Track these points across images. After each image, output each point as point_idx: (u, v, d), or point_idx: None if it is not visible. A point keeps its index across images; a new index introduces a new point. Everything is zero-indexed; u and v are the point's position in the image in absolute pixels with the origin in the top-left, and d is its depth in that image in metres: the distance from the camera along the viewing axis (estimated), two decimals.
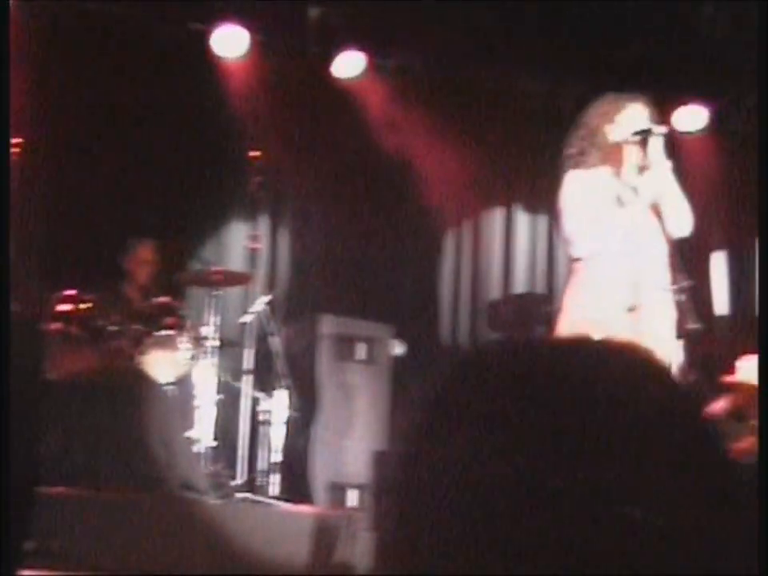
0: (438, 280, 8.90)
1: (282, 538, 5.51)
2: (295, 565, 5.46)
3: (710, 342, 6.14)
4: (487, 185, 8.95)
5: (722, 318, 9.22)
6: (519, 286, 9.02)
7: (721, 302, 9.28)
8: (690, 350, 4.75)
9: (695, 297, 4.93)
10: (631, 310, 4.97)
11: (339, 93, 8.02)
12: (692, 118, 8.37)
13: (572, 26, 7.70)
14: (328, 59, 7.95)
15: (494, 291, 8.97)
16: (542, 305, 8.56)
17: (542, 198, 8.66)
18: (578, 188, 5.18)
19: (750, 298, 9.28)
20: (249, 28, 7.71)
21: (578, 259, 5.17)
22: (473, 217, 9.05)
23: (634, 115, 5.20)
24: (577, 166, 5.25)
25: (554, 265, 8.98)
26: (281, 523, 5.77)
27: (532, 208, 9.13)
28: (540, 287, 9.05)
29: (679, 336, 4.73)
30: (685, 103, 8.30)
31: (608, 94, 5.36)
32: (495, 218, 9.12)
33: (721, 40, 7.75)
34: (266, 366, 7.02)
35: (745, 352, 7.26)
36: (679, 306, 4.74)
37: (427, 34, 7.82)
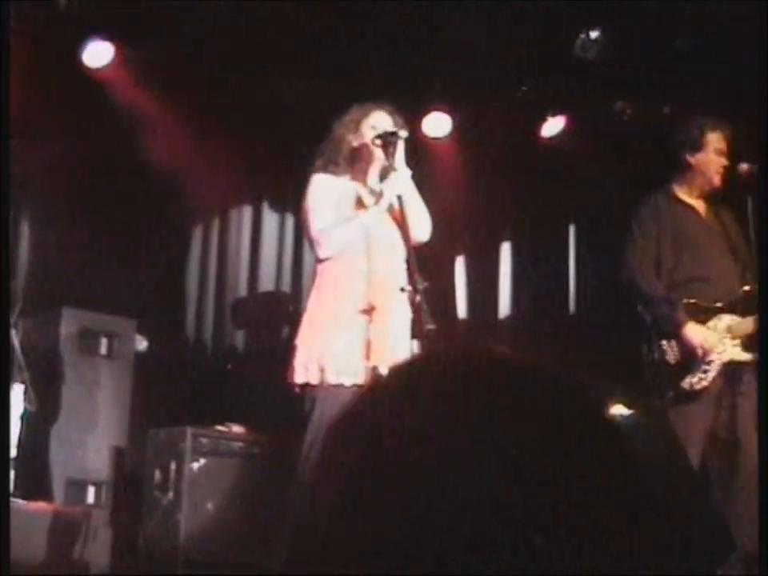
0: (184, 276, 8.86)
1: (18, 536, 5.39)
2: (32, 563, 5.35)
3: (446, 343, 6.32)
4: (236, 182, 8.97)
5: (462, 320, 9.50)
6: (265, 284, 9.07)
7: (461, 305, 9.56)
8: (425, 350, 4.90)
9: (433, 298, 5.09)
10: (367, 310, 5.12)
11: (87, 82, 7.86)
12: (438, 124, 8.58)
13: (327, 27, 7.78)
14: (77, 47, 7.77)
15: (240, 289, 8.99)
16: (286, 304, 8.65)
17: (290, 198, 8.75)
18: (323, 190, 5.34)
19: (490, 301, 9.60)
20: None
21: (321, 260, 5.30)
22: (220, 214, 9.04)
23: (378, 121, 5.39)
24: (323, 169, 5.40)
25: (300, 265, 9.06)
26: (17, 521, 5.64)
27: (280, 207, 9.19)
28: (285, 287, 9.12)
29: (414, 336, 4.88)
30: (431, 110, 8.50)
31: (355, 104, 5.53)
32: (243, 215, 9.14)
33: (467, 52, 7.99)
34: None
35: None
36: (415, 306, 4.88)
37: (180, 27, 7.77)
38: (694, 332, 5.77)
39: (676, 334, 5.79)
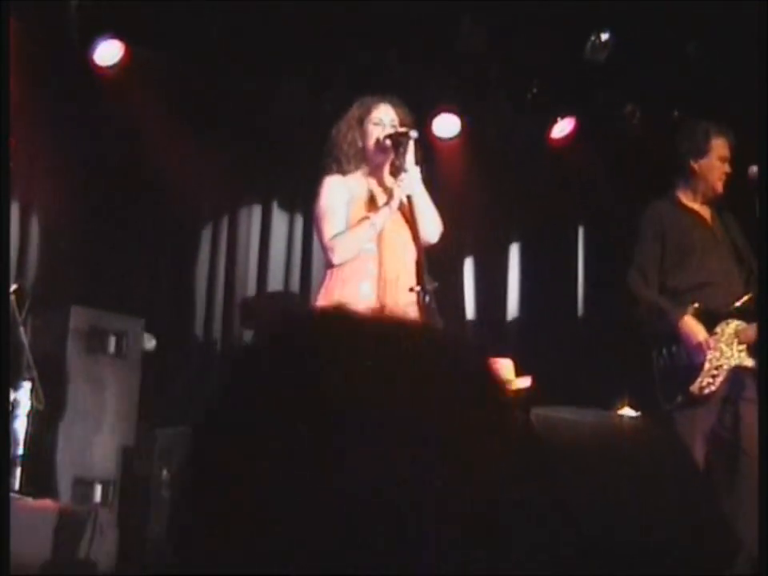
0: (193, 275, 8.85)
1: (24, 534, 5.40)
2: (37, 561, 5.36)
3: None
4: (245, 181, 8.97)
5: (470, 321, 9.48)
6: (274, 283, 9.06)
7: (470, 306, 9.55)
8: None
9: (442, 299, 5.08)
10: (377, 309, 5.10)
11: (97, 81, 7.87)
12: (447, 125, 8.58)
13: (336, 28, 7.79)
14: (88, 46, 7.78)
15: (249, 288, 8.99)
16: (295, 304, 8.64)
17: (300, 197, 8.75)
18: (334, 193, 5.30)
19: (498, 303, 9.58)
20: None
21: (333, 265, 5.27)
22: (229, 213, 9.04)
23: (384, 116, 5.33)
24: (333, 170, 5.36)
25: (309, 264, 9.05)
26: (23, 518, 5.65)
27: (289, 207, 9.18)
28: (294, 286, 9.12)
29: None
30: (442, 111, 8.50)
31: (359, 98, 5.48)
32: (252, 215, 9.13)
33: (477, 55, 8.00)
34: (12, 357, 6.85)
35: (493, 356, 7.52)
36: (424, 307, 4.87)
37: (190, 29, 7.78)
38: (691, 329, 5.77)
39: (675, 336, 5.79)
